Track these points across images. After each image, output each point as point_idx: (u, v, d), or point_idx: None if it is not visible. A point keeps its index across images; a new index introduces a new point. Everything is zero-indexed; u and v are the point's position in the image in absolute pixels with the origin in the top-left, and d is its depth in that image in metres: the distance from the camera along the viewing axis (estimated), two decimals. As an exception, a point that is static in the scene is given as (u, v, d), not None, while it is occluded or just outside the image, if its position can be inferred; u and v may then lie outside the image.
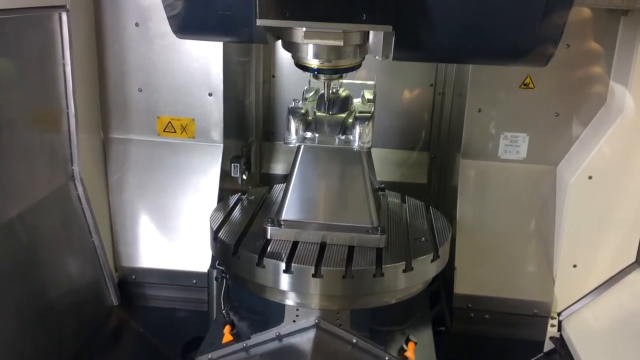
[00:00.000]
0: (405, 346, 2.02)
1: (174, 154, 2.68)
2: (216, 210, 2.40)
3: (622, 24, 2.35)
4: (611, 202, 2.43)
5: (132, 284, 2.67)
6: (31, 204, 2.14)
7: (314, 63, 1.94)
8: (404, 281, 2.02)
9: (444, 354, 2.23)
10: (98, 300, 2.56)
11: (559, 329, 2.52)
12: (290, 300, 2.04)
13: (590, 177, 2.41)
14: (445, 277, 2.62)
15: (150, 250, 2.67)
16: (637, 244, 2.46)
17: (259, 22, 1.67)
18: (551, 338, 2.52)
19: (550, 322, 2.52)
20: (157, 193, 2.67)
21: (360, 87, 2.31)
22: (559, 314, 2.53)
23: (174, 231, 2.66)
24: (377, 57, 1.84)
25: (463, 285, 2.52)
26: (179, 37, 1.91)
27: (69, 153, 2.38)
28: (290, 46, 1.93)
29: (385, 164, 3.17)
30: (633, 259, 2.48)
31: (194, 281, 2.62)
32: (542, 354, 2.55)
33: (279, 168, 3.33)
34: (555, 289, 2.51)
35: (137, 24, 2.53)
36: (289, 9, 1.63)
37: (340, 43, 1.74)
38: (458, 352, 2.56)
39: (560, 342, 2.50)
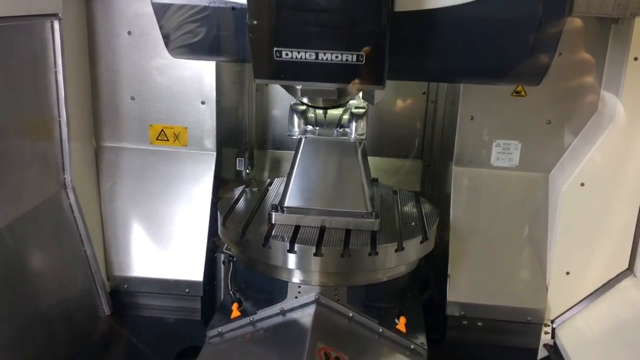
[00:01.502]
0: (397, 320, 2.16)
1: (166, 162, 2.67)
2: (223, 200, 2.52)
3: (612, 32, 2.36)
4: (603, 209, 2.44)
5: (125, 293, 2.65)
6: (22, 213, 2.13)
7: (311, 103, 2.19)
8: (395, 260, 2.19)
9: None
10: (90, 310, 2.54)
11: (553, 336, 2.52)
12: (293, 278, 2.19)
13: (582, 185, 2.42)
14: (439, 284, 2.62)
15: (142, 259, 2.65)
16: (630, 251, 2.47)
17: (257, 82, 1.77)
18: (545, 345, 2.52)
19: (544, 329, 2.52)
20: (150, 202, 2.66)
21: None
22: (552, 321, 2.53)
23: (166, 240, 2.64)
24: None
25: (456, 293, 2.52)
26: (174, 57, 1.95)
27: (61, 161, 2.37)
28: (286, 87, 2.06)
29: (379, 172, 3.15)
30: (626, 266, 2.48)
31: (187, 290, 2.60)
32: (535, 361, 2.55)
33: (272, 176, 3.32)
34: (548, 296, 2.51)
35: (129, 33, 2.54)
36: (284, 72, 1.71)
37: (334, 96, 1.87)
38: (452, 360, 2.56)
39: (554, 350, 2.50)
